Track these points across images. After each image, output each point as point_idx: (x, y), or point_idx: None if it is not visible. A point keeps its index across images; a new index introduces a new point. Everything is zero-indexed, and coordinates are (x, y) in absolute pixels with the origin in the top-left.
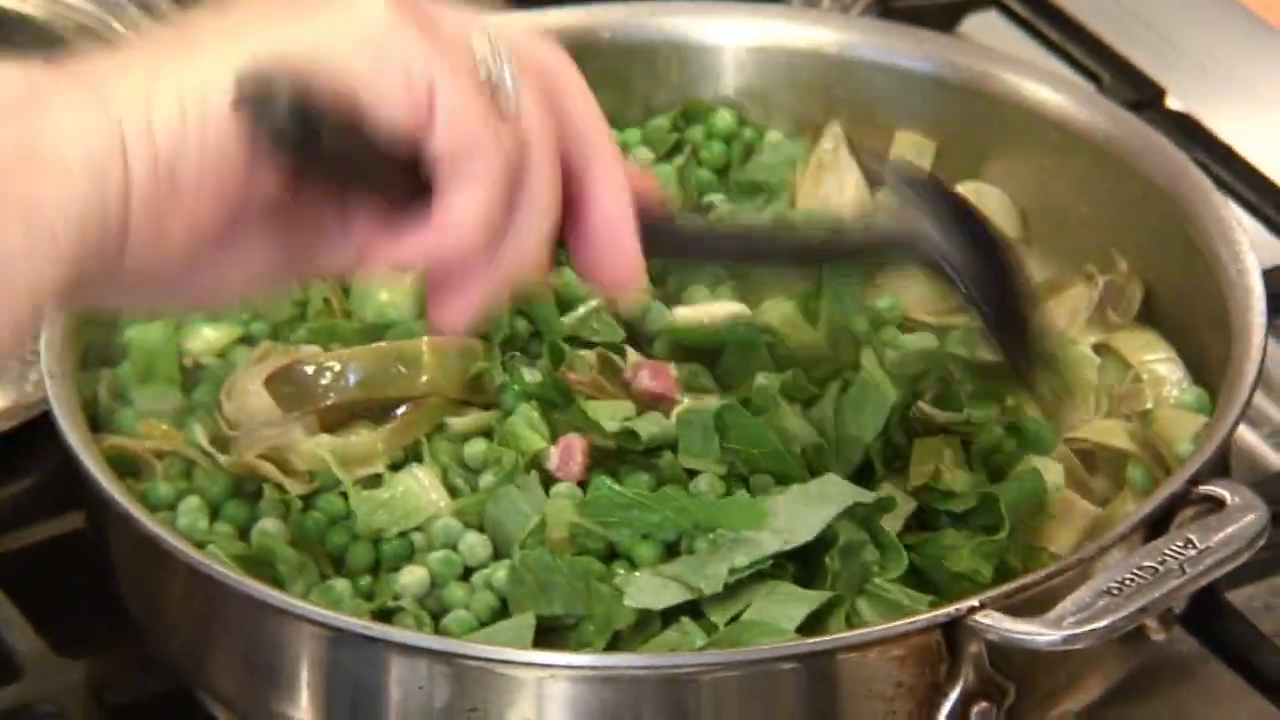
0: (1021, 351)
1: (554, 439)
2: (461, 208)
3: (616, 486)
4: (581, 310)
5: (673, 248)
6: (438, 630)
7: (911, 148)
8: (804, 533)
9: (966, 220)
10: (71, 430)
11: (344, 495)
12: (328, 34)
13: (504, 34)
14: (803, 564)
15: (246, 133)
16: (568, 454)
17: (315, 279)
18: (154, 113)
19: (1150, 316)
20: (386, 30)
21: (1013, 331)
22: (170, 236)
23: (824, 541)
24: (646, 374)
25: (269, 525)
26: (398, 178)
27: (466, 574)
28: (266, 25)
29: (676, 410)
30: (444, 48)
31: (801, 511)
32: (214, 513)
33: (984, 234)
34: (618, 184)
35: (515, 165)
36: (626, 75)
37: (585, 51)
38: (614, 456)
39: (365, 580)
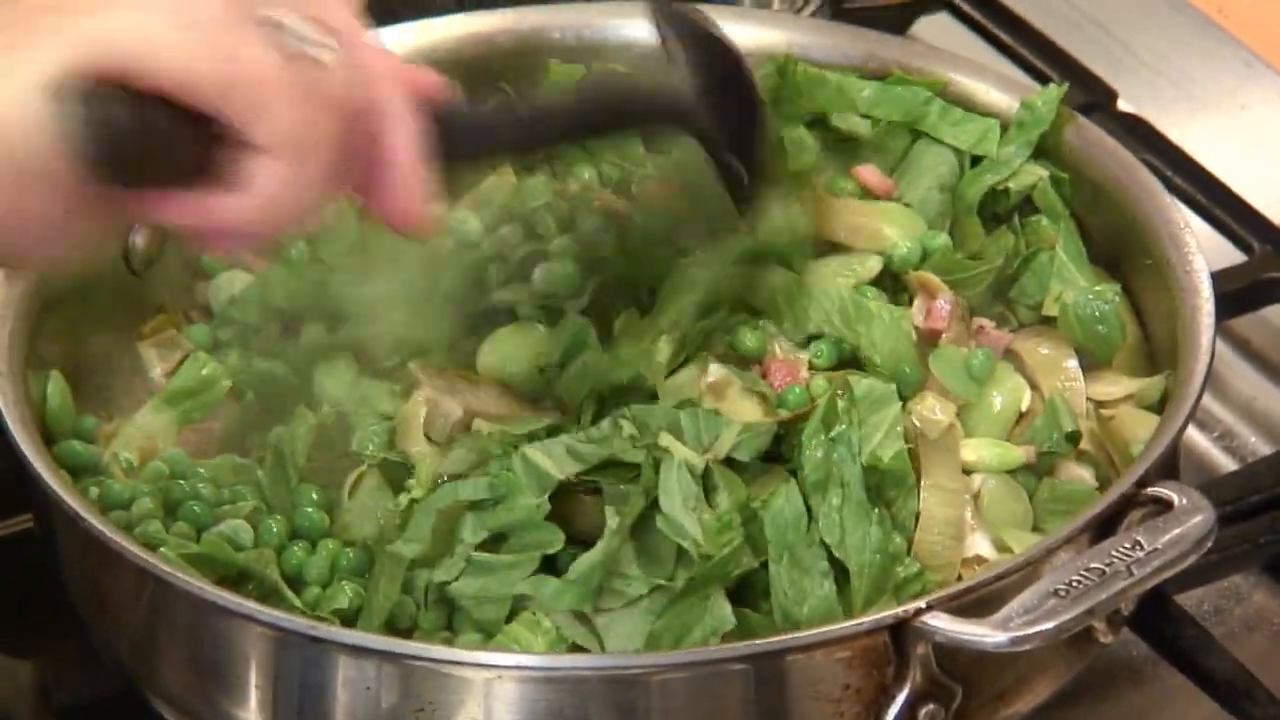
0: (750, 201)
1: None
2: (268, 178)
3: None
4: None
5: (464, 146)
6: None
7: None
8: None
9: (725, 67)
10: (20, 431)
11: None
12: (156, 24)
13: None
14: None
15: (60, 133)
16: None
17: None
18: None
19: None
20: (218, 24)
21: (745, 184)
22: None
23: None
24: None
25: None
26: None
27: None
28: (92, 12)
29: None
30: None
31: None
32: (170, 512)
33: (742, 85)
34: (407, 133)
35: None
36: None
37: (537, 51)
38: None
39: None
